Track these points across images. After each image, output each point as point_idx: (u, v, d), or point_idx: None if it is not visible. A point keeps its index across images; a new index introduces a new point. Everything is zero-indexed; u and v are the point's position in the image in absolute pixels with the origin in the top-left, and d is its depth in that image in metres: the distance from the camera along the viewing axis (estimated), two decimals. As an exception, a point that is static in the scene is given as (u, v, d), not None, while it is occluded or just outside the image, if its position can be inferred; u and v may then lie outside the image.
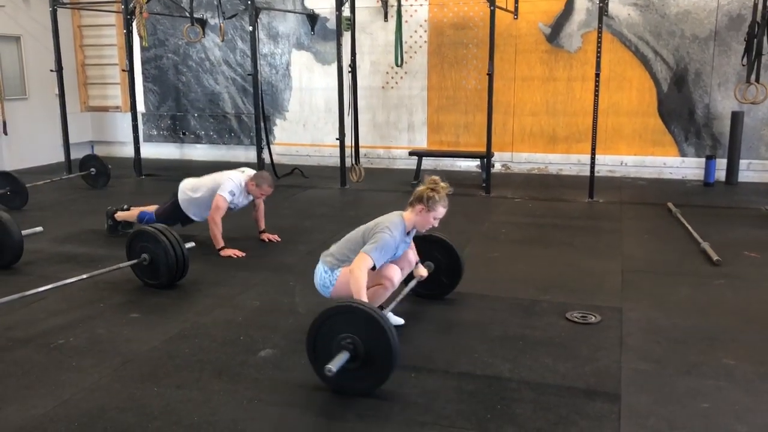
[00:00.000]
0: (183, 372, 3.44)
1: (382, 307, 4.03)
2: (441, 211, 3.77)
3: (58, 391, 3.25)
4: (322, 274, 3.83)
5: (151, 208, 6.03)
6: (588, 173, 7.78)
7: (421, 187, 3.79)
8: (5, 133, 9.75)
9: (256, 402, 3.15)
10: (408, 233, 3.86)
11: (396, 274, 3.81)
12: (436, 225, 3.84)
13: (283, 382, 3.34)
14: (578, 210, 7.22)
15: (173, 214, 5.77)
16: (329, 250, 3.90)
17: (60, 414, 3.04)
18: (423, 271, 4.18)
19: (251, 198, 5.73)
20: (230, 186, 5.52)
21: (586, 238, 6.03)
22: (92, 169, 8.57)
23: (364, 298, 3.48)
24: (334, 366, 3.01)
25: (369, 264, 3.57)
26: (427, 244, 4.36)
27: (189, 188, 5.74)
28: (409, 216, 3.80)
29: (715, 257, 5.23)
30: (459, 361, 3.55)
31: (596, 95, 7.48)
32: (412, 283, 4.14)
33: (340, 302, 3.30)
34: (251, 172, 5.74)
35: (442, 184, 3.78)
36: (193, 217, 5.78)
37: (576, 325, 4.02)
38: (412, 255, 4.08)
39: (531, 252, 5.63)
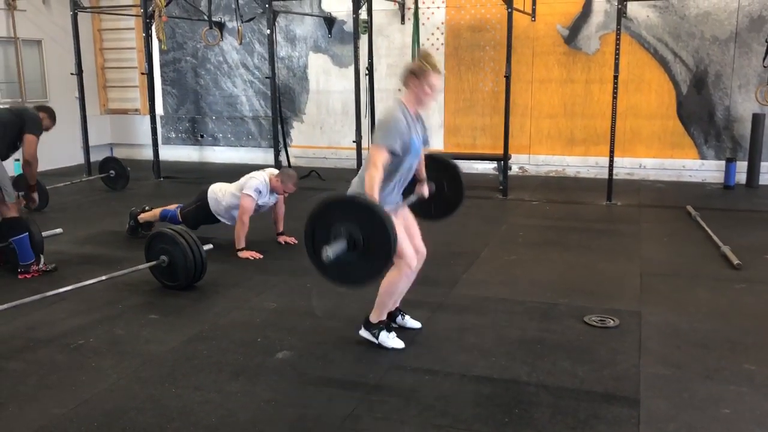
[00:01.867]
0: (201, 373, 3.46)
1: (401, 312, 4.04)
2: (433, 77, 3.52)
3: (78, 391, 3.28)
4: None
5: (172, 207, 6.07)
6: (606, 176, 7.73)
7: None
8: (26, 135, 9.86)
9: (274, 403, 3.15)
10: (416, 116, 3.62)
11: (415, 261, 3.67)
12: (434, 96, 3.61)
13: (301, 384, 3.35)
14: (596, 213, 7.17)
15: (199, 215, 5.80)
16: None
17: (80, 414, 3.07)
18: (425, 189, 3.98)
19: (275, 196, 5.76)
20: (255, 183, 5.56)
21: (605, 242, 5.99)
22: (112, 171, 8.65)
23: (376, 195, 3.35)
24: (331, 252, 3.02)
25: (382, 152, 3.40)
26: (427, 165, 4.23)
27: (218, 191, 5.78)
28: (405, 97, 3.60)
29: (735, 261, 5.17)
30: (476, 364, 3.54)
31: (615, 97, 7.44)
32: (413, 198, 3.95)
33: (339, 194, 3.28)
34: (274, 170, 5.79)
35: (427, 51, 3.71)
36: (222, 219, 5.80)
37: (594, 328, 4.00)
38: (422, 170, 3.92)
39: (549, 255, 5.60)
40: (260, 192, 5.57)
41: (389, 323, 3.82)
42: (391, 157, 3.45)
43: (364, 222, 3.12)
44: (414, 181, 3.90)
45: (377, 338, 3.72)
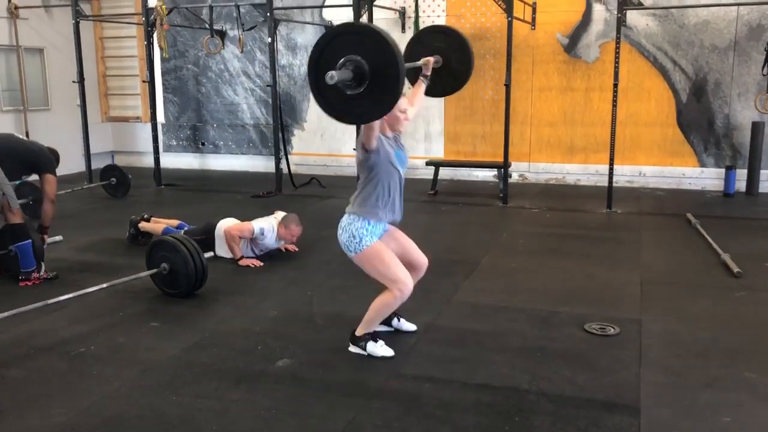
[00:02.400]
0: (202, 381, 3.47)
1: (397, 315, 4.05)
2: (399, 102, 3.45)
3: (79, 399, 3.28)
4: (350, 237, 3.63)
5: (174, 223, 6.08)
6: (606, 184, 7.74)
7: None
8: (28, 143, 9.89)
9: (274, 411, 3.16)
10: (393, 138, 3.70)
11: (410, 283, 3.67)
12: (407, 117, 3.68)
13: (301, 392, 3.35)
14: (596, 221, 7.18)
15: (203, 246, 5.68)
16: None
17: (80, 421, 3.07)
18: (431, 60, 4.00)
19: (280, 242, 5.76)
20: (262, 224, 5.57)
21: (605, 249, 6.00)
22: (113, 179, 8.67)
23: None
24: (337, 76, 2.91)
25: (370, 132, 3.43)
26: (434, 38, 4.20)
27: (225, 227, 5.69)
28: (380, 125, 3.60)
29: (735, 269, 5.18)
30: (477, 372, 3.54)
31: (614, 105, 7.46)
32: (419, 63, 3.95)
33: (348, 24, 3.21)
34: (282, 214, 5.79)
35: None
36: (222, 254, 5.71)
37: (595, 336, 4.00)
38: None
39: (549, 263, 5.61)
40: (263, 233, 5.56)
41: (374, 333, 3.80)
42: (375, 153, 3.52)
43: (372, 52, 2.97)
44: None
45: (365, 350, 3.73)
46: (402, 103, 3.60)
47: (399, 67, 2.99)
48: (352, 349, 3.78)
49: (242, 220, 5.77)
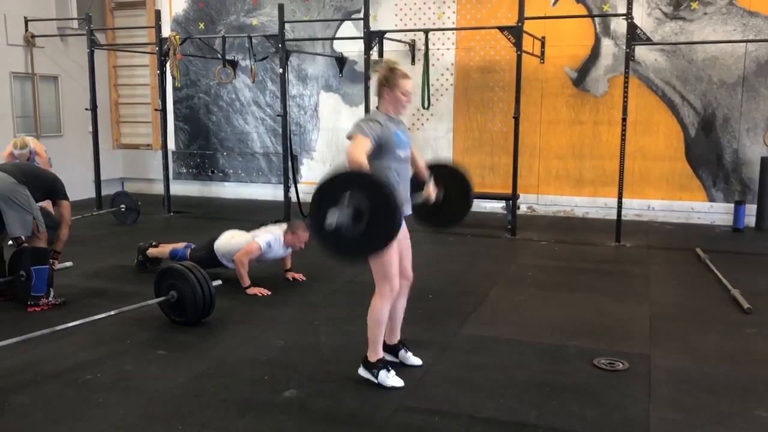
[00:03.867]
0: (208, 410, 3.45)
1: (405, 346, 4.03)
2: (403, 83, 3.62)
3: (85, 427, 3.27)
4: None
5: (180, 245, 6.10)
6: (615, 217, 7.74)
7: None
8: (40, 169, 9.98)
9: (280, 443, 3.14)
10: (393, 119, 3.69)
11: (397, 285, 3.69)
12: (408, 100, 3.68)
13: (308, 423, 3.33)
14: (605, 254, 7.16)
15: (208, 261, 5.72)
16: None
17: (86, 450, 3.06)
18: (431, 192, 4.01)
19: (288, 250, 5.78)
20: (268, 237, 5.59)
21: (614, 283, 5.97)
22: (122, 206, 8.73)
23: (365, 163, 3.36)
24: (336, 218, 3.06)
25: (357, 138, 3.46)
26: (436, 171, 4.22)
27: (227, 238, 5.77)
28: (381, 106, 3.69)
29: (745, 305, 5.14)
30: (484, 406, 3.51)
31: (623, 139, 7.49)
32: (419, 198, 3.97)
33: (346, 168, 3.32)
34: (286, 225, 5.82)
35: (391, 59, 3.75)
36: (226, 264, 5.76)
37: (603, 371, 3.97)
38: (424, 172, 3.97)
39: (557, 296, 5.59)
40: (270, 246, 5.59)
41: (387, 362, 3.79)
42: (375, 148, 3.49)
43: (369, 194, 3.12)
44: (418, 186, 3.96)
45: (377, 378, 3.71)
46: (406, 84, 3.63)
47: (395, 212, 3.15)
48: (363, 373, 3.76)
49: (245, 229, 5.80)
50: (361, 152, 3.39)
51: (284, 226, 5.79)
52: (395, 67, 3.66)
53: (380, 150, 3.54)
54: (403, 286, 3.87)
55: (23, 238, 5.34)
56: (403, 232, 3.79)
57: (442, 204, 4.14)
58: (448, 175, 4.26)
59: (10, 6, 9.60)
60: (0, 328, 4.50)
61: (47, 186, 5.41)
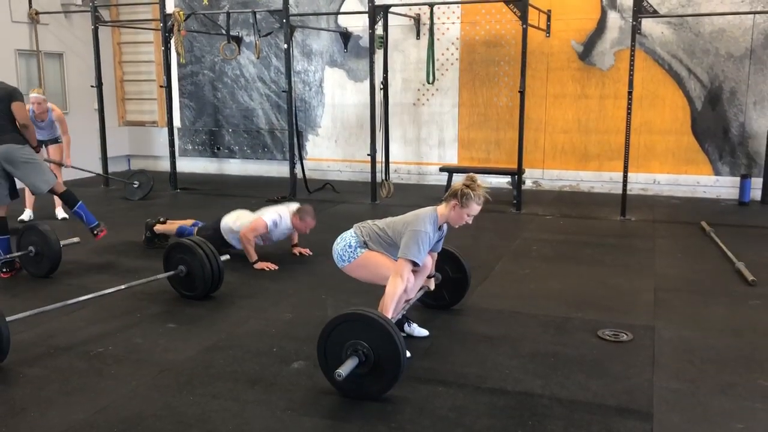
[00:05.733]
0: (218, 382, 3.51)
1: (408, 320, 4.09)
2: (475, 208, 3.75)
3: (98, 398, 3.34)
4: (346, 246, 3.90)
5: (188, 222, 6.16)
6: (620, 191, 7.75)
7: (457, 183, 3.80)
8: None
9: (290, 412, 3.20)
10: (440, 228, 3.87)
11: (412, 279, 3.78)
12: (470, 222, 3.81)
13: (316, 394, 3.38)
14: (610, 228, 7.18)
15: (215, 241, 5.76)
16: (366, 222, 3.97)
17: (99, 420, 3.13)
18: (431, 283, 4.23)
19: (292, 230, 5.83)
20: (273, 216, 5.63)
21: (619, 257, 6.00)
22: (136, 182, 8.90)
23: (391, 311, 3.53)
24: (343, 371, 3.14)
25: (409, 267, 3.65)
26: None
27: (235, 218, 5.80)
28: (442, 210, 3.81)
29: (750, 277, 5.17)
30: (490, 376, 3.57)
31: (629, 113, 7.46)
32: (420, 293, 4.17)
33: (352, 310, 3.39)
34: (295, 206, 5.84)
35: (479, 182, 3.78)
36: (232, 243, 5.80)
37: (608, 342, 4.01)
38: (430, 263, 4.09)
39: (562, 269, 5.62)
40: (276, 225, 5.62)
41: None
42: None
43: (376, 339, 3.23)
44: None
45: None
46: (475, 210, 3.76)
47: (401, 351, 3.21)
48: None
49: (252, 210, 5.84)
50: (399, 293, 3.60)
51: (292, 207, 5.81)
52: (476, 189, 3.73)
53: None
54: (421, 273, 4.01)
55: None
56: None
57: (441, 286, 4.38)
58: (440, 258, 4.36)
59: (14, -17, 9.58)
60: (13, 303, 4.57)
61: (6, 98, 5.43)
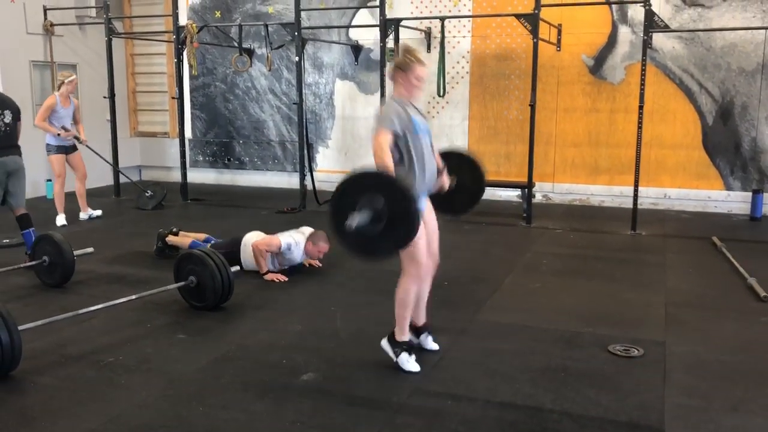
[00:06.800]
0: (227, 393, 3.52)
1: (428, 330, 4.08)
2: (418, 69, 3.66)
3: (108, 408, 3.35)
4: None
5: (201, 237, 6.19)
6: (630, 205, 7.72)
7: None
8: (59, 156, 10.12)
9: (299, 425, 3.19)
10: (408, 105, 3.73)
11: (425, 268, 3.76)
12: (421, 85, 3.71)
13: (325, 406, 3.38)
14: (621, 242, 7.16)
15: (228, 259, 5.75)
16: None
17: (110, 429, 3.14)
18: (446, 182, 4.08)
19: (305, 258, 5.84)
20: (288, 240, 5.63)
21: (629, 271, 5.98)
22: (149, 192, 9.02)
23: (389, 162, 3.48)
24: (353, 222, 3.14)
25: (381, 133, 3.56)
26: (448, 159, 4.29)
27: (254, 235, 5.80)
28: (395, 91, 3.74)
29: (762, 293, 5.13)
30: (500, 390, 3.55)
31: (640, 127, 7.45)
32: (432, 189, 4.04)
33: (367, 169, 3.40)
34: (309, 232, 5.85)
35: (409, 45, 3.79)
36: (247, 267, 5.73)
37: (619, 358, 3.99)
38: (440, 161, 4.01)
39: (573, 283, 5.60)
40: (290, 249, 5.63)
41: (411, 346, 3.83)
42: (396, 139, 3.58)
43: (388, 195, 3.20)
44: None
45: (397, 357, 3.76)
46: (420, 70, 3.67)
47: (412, 208, 3.21)
48: (385, 345, 3.82)
49: (268, 233, 5.84)
50: (385, 150, 3.50)
51: (306, 232, 5.84)
52: (411, 52, 3.71)
53: (402, 138, 3.60)
54: (430, 266, 3.92)
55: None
56: (430, 215, 3.87)
57: (454, 191, 4.19)
58: (460, 162, 4.30)
59: (30, -5, 9.70)
60: (25, 312, 4.60)
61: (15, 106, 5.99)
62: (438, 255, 3.98)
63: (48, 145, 7.81)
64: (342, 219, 3.22)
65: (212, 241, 6.09)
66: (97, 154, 8.71)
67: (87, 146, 8.12)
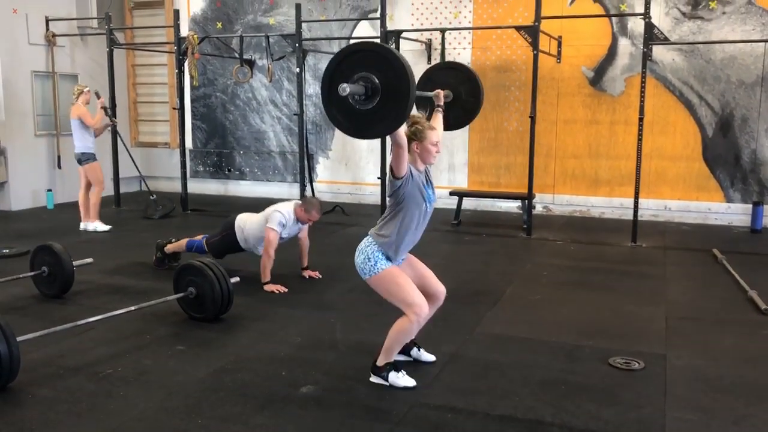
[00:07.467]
0: (227, 405, 3.50)
1: (416, 344, 4.07)
2: (431, 134, 3.67)
3: (107, 420, 3.33)
4: (365, 258, 3.69)
5: (198, 237, 6.19)
6: (631, 217, 7.72)
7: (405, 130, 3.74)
8: (59, 167, 10.14)
9: (298, 438, 3.18)
10: (423, 171, 3.74)
11: (425, 307, 3.68)
12: (438, 150, 3.71)
13: (325, 419, 3.36)
14: (621, 254, 7.15)
15: (225, 245, 5.91)
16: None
17: (108, 442, 3.12)
18: (441, 98, 4.16)
19: (300, 226, 5.83)
20: (278, 217, 5.63)
21: (630, 283, 5.97)
22: (153, 195, 9.22)
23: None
24: (348, 87, 3.07)
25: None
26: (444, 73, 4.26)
27: (245, 220, 5.89)
28: (411, 159, 3.70)
29: (763, 306, 5.12)
30: (500, 403, 3.54)
31: (640, 139, 7.46)
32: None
33: (361, 43, 3.35)
34: (299, 202, 5.89)
35: (416, 115, 3.76)
36: (245, 247, 5.90)
37: (619, 371, 3.98)
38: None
39: (573, 296, 5.59)
40: (284, 225, 5.64)
41: (395, 363, 3.81)
42: (403, 188, 3.57)
43: (385, 71, 3.15)
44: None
45: (387, 380, 3.74)
46: (434, 135, 3.68)
47: (409, 83, 3.13)
48: (374, 379, 3.78)
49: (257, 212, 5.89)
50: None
51: (294, 202, 5.87)
52: (421, 120, 3.71)
53: (407, 189, 3.58)
54: (437, 303, 3.91)
55: None
56: (413, 260, 3.89)
57: (450, 105, 4.23)
58: (457, 75, 4.29)
59: (32, 6, 9.73)
60: (22, 323, 4.58)
61: None
62: (442, 289, 3.92)
63: (87, 153, 8.05)
64: (336, 86, 3.13)
65: (207, 236, 6.10)
66: (129, 155, 9.40)
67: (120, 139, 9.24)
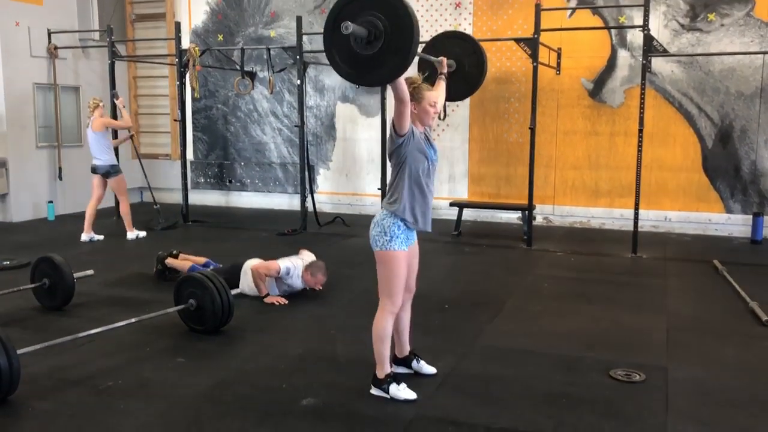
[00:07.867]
0: (227, 418, 3.49)
1: (416, 356, 4.07)
2: (429, 95, 3.68)
3: (107, 433, 3.33)
4: (381, 231, 3.70)
5: (201, 261, 6.19)
6: (631, 228, 7.72)
7: None
8: (60, 178, 10.16)
9: (299, 451, 3.17)
10: (422, 132, 3.73)
11: (400, 302, 3.74)
12: (436, 111, 3.73)
13: (325, 432, 3.36)
14: (621, 265, 7.15)
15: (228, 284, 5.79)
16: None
17: (108, 456, 3.11)
18: (445, 66, 4.13)
19: (304, 286, 5.79)
20: (287, 264, 5.62)
21: (630, 294, 5.96)
22: (157, 205, 9.32)
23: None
24: (351, 26, 3.03)
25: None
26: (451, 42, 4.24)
27: (251, 264, 5.77)
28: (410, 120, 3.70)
29: (764, 317, 5.11)
30: (501, 416, 3.53)
31: (639, 150, 7.48)
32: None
33: None
34: (309, 257, 5.87)
35: (414, 76, 3.76)
36: (246, 293, 5.76)
37: (620, 383, 3.97)
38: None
39: (574, 307, 5.58)
40: (289, 273, 5.62)
41: (396, 376, 3.81)
42: (404, 147, 3.57)
43: (390, 19, 3.13)
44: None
45: (388, 393, 3.73)
46: (432, 96, 3.70)
47: (413, 32, 3.14)
48: (374, 392, 3.78)
49: (267, 260, 5.83)
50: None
51: (306, 257, 5.85)
52: (415, 81, 3.71)
53: (408, 148, 3.58)
54: (406, 299, 3.93)
55: None
56: (414, 251, 3.88)
57: (452, 75, 4.21)
58: (458, 45, 4.28)
59: (34, 19, 9.78)
60: (24, 335, 4.58)
61: None
62: (414, 286, 3.97)
63: (116, 166, 8.29)
64: (339, 26, 3.12)
65: (212, 266, 6.08)
66: (141, 166, 9.65)
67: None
